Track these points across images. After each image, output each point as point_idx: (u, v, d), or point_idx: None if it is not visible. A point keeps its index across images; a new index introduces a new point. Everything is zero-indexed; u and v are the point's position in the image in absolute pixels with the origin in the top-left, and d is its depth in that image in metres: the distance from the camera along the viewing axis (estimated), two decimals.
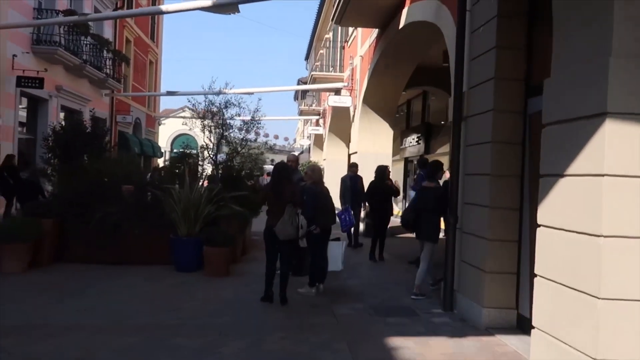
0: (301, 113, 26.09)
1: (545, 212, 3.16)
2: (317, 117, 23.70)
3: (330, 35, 20.52)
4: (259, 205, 7.49)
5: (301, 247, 6.29)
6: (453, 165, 5.57)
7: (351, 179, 9.61)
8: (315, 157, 25.82)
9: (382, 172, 8.77)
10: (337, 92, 14.69)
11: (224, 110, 9.10)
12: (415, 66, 11.19)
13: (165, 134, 35.29)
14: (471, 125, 5.42)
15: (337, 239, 6.70)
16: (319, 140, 24.81)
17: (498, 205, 4.88)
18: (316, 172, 6.46)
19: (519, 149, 4.91)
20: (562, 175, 2.99)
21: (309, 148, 30.95)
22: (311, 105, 23.78)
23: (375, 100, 12.54)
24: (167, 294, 6.14)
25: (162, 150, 28.78)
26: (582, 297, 2.71)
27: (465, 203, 5.48)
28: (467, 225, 5.40)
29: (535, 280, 3.26)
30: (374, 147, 12.98)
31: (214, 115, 9.19)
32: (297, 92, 35.65)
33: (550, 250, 3.08)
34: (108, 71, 17.85)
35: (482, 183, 5.04)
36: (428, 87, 13.82)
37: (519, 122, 4.92)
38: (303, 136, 40.31)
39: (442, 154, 15.46)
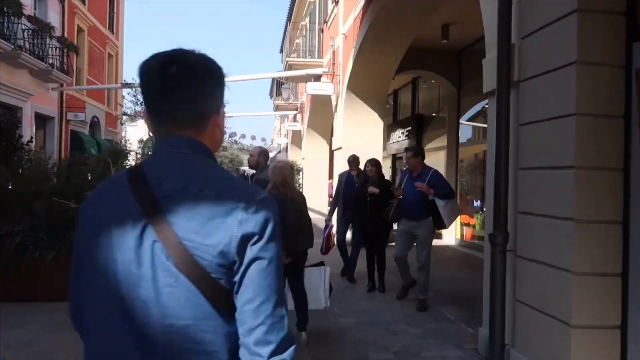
0: (277, 108, 24.04)
1: None
2: (295, 112, 21.72)
3: (307, 21, 18.58)
4: None
5: None
6: (499, 155, 3.68)
7: (348, 177, 7.17)
8: (293, 156, 23.85)
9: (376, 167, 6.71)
10: (317, 79, 12.76)
11: None
12: (410, 41, 9.33)
13: (138, 136, 32.79)
14: (530, 93, 3.54)
15: (321, 264, 4.73)
16: (297, 138, 22.85)
17: (589, 217, 3.00)
18: (277, 172, 4.36)
19: (621, 125, 3.05)
20: None
21: (287, 147, 28.93)
22: (288, 100, 21.80)
23: (362, 86, 10.64)
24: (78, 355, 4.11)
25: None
26: None
27: (520, 212, 3.60)
28: (526, 248, 3.52)
29: None
30: (361, 141, 11.08)
31: None
32: (272, 88, 33.58)
33: None
34: (55, 62, 15.54)
35: (559, 181, 3.16)
36: (422, 71, 11.99)
37: (619, 81, 3.05)
38: (280, 135, 38.35)
39: (437, 149, 13.69)
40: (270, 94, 36.80)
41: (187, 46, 1.04)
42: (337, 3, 12.14)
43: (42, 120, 16.81)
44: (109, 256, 0.96)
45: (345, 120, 11.12)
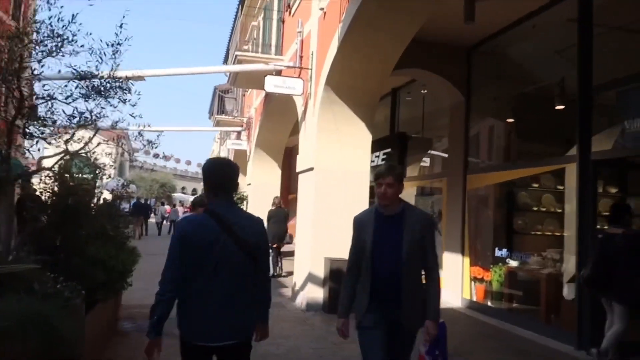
0: (218, 124, 20.46)
1: None
2: (240, 128, 18.25)
3: (259, 20, 15.41)
4: None
5: None
6: None
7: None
8: None
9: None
10: (277, 75, 9.50)
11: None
12: (426, 14, 6.36)
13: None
14: None
15: None
16: (240, 160, 19.31)
17: None
18: None
19: None
20: None
21: None
22: (232, 113, 18.34)
23: (349, 81, 7.52)
24: None
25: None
26: None
27: None
28: None
29: None
30: (341, 160, 7.90)
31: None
32: (213, 105, 29.93)
33: None
34: None
35: None
36: (417, 70, 9.07)
37: None
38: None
39: (430, 177, 10.78)
40: (210, 112, 33.02)
41: None
42: None
43: None
44: (207, 250, 2.50)
45: (321, 130, 7.90)
